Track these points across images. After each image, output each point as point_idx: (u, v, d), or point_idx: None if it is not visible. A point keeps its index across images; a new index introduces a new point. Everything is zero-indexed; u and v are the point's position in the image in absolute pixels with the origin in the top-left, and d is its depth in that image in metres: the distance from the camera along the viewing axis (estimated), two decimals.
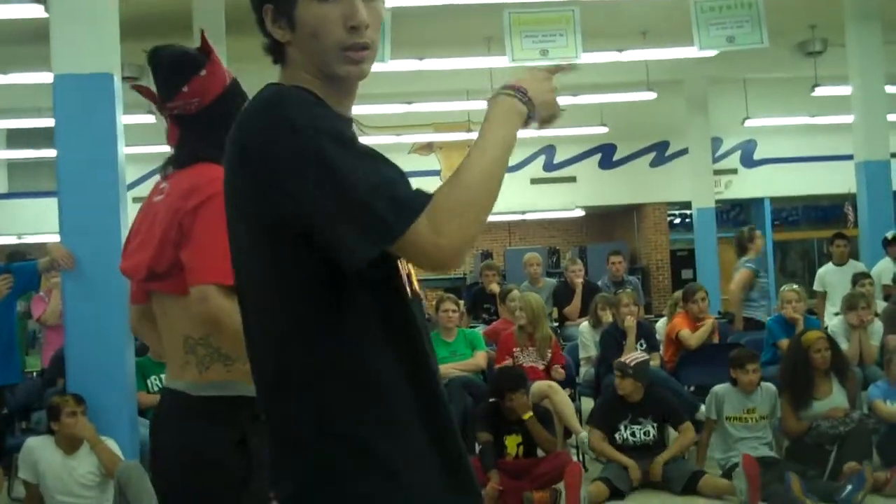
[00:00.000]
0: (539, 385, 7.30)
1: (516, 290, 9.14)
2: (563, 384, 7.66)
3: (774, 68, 15.40)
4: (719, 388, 7.02)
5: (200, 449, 2.60)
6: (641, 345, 8.06)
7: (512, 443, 6.76)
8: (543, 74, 1.92)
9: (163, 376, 7.03)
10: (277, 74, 1.94)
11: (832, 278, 9.65)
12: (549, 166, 18.48)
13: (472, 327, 8.99)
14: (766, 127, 17.64)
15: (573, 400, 7.74)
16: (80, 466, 5.69)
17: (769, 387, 7.01)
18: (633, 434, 6.93)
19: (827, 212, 19.89)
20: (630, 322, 8.08)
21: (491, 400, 6.99)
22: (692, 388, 7.91)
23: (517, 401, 6.68)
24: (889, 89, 11.56)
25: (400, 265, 1.84)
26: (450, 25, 11.99)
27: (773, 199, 19.38)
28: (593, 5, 10.56)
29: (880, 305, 8.85)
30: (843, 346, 7.58)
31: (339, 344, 1.76)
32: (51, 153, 6.47)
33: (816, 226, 20.19)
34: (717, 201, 17.31)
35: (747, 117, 17.09)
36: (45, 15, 7.05)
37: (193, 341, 2.68)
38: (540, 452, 6.83)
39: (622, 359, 7.21)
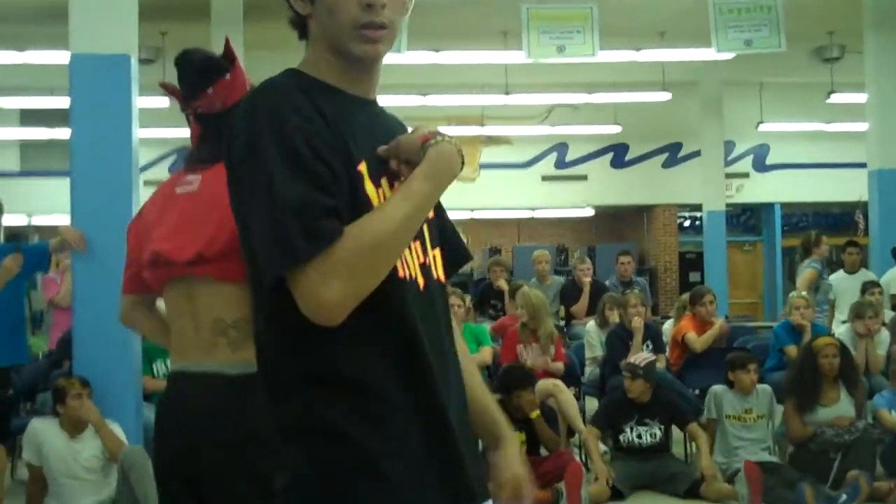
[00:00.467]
0: (544, 383, 7.29)
1: (526, 287, 9.14)
2: (568, 383, 7.64)
3: (791, 73, 15.35)
4: (717, 387, 7.03)
5: (254, 423, 2.61)
6: (648, 346, 8.05)
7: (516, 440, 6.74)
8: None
9: (169, 361, 7.09)
10: (293, 62, 1.92)
11: (843, 286, 9.62)
12: (560, 164, 18.46)
13: (479, 323, 8.99)
14: (779, 132, 17.61)
15: (578, 399, 7.73)
16: (85, 449, 5.69)
17: (765, 387, 7.05)
18: (639, 436, 6.91)
19: (837, 219, 19.86)
20: (638, 323, 8.07)
21: (496, 397, 6.98)
22: (696, 391, 7.90)
23: (525, 398, 6.69)
24: None
25: (407, 258, 1.81)
26: (467, 18, 11.99)
27: (784, 205, 19.35)
28: (612, 4, 10.53)
29: (888, 315, 8.83)
30: None
31: (323, 340, 1.71)
32: (64, 133, 6.46)
33: (826, 233, 20.05)
34: (728, 205, 17.26)
35: (761, 121, 17.06)
36: None
37: (225, 324, 2.73)
38: (543, 451, 6.83)
39: (630, 359, 7.20)
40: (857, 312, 7.97)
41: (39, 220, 16.67)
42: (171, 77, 2.97)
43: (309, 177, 1.66)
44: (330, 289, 1.62)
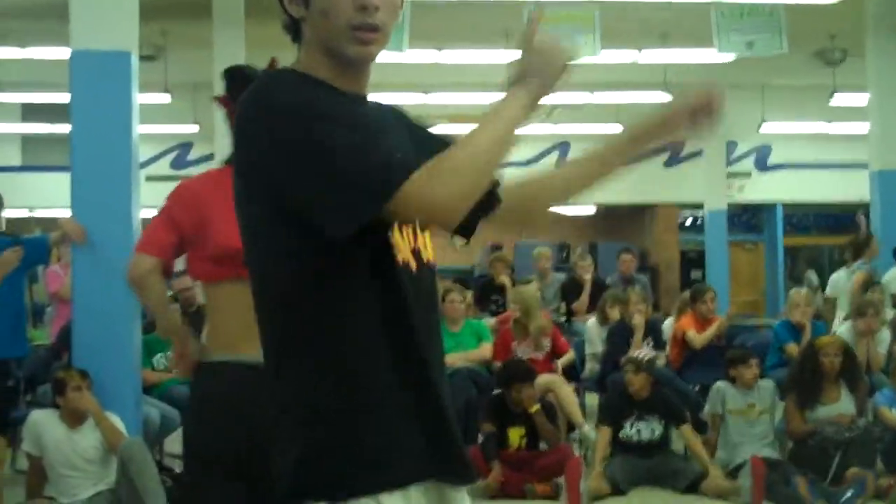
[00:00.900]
0: (544, 378, 7.30)
1: (534, 283, 9.23)
2: (568, 379, 7.66)
3: (792, 76, 15.34)
4: (720, 383, 7.06)
5: None
6: (649, 343, 8.06)
7: (515, 435, 6.77)
8: (550, 46, 1.87)
9: (169, 354, 7.11)
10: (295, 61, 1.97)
11: (844, 285, 9.62)
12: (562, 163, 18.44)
13: (478, 318, 9.00)
14: (781, 132, 17.59)
15: (577, 395, 7.74)
16: (84, 441, 5.70)
17: (768, 382, 7.08)
18: (638, 431, 6.90)
19: (839, 219, 19.86)
20: (639, 320, 8.08)
21: (496, 391, 7.00)
22: (696, 388, 7.91)
23: (525, 393, 6.70)
24: None
25: (397, 239, 1.86)
26: (469, 18, 11.97)
27: (786, 205, 19.34)
28: (615, 6, 10.53)
29: (890, 314, 8.83)
30: None
31: (326, 322, 1.79)
32: (65, 128, 6.47)
33: (827, 233, 20.15)
34: (730, 204, 17.25)
35: (763, 122, 17.04)
36: None
37: None
38: (543, 446, 6.84)
39: (632, 354, 7.22)
40: (859, 311, 7.97)
41: (41, 214, 16.71)
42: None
43: (363, 124, 1.77)
44: (439, 190, 1.68)
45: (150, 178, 15.40)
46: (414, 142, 1.96)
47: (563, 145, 18.26)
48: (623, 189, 18.35)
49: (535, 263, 10.65)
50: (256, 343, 2.75)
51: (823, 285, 11.00)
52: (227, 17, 10.98)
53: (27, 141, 17.37)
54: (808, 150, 18.19)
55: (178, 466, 6.80)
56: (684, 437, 6.96)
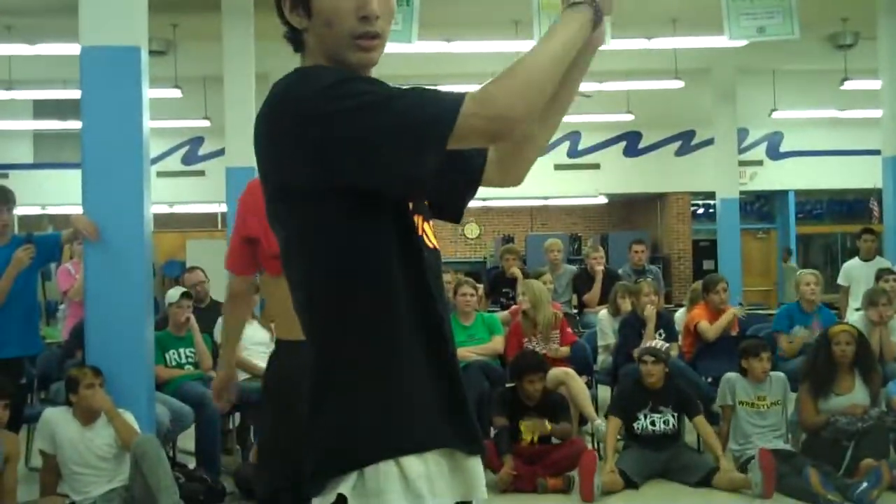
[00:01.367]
0: (556, 372, 7.29)
1: (548, 275, 9.22)
2: (580, 371, 7.64)
3: (804, 60, 15.29)
4: (731, 374, 7.03)
5: None
6: (661, 334, 8.04)
7: (528, 428, 6.75)
8: None
9: (181, 350, 7.16)
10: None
11: (857, 273, 9.58)
12: (573, 152, 18.42)
13: (491, 311, 8.99)
14: (793, 119, 17.54)
15: (590, 388, 7.73)
16: (97, 438, 5.72)
17: (779, 375, 7.05)
18: (652, 423, 6.88)
19: (851, 206, 19.80)
20: (650, 311, 8.06)
21: (508, 385, 6.99)
22: (709, 380, 7.88)
23: (537, 385, 6.73)
24: None
25: (417, 220, 1.96)
26: (478, 8, 11.96)
27: (798, 192, 19.29)
28: None
29: None
30: None
31: (354, 296, 1.88)
32: (77, 124, 6.47)
33: (840, 220, 20.10)
34: (742, 192, 17.21)
35: (775, 109, 16.99)
36: None
37: None
38: (555, 439, 6.84)
39: (647, 345, 7.21)
40: (871, 300, 7.93)
41: (53, 211, 16.77)
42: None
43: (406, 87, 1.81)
44: (497, 101, 1.75)
45: (160, 174, 15.48)
46: None
47: (573, 134, 18.25)
48: (634, 179, 18.50)
49: (547, 255, 10.63)
50: (295, 324, 3.11)
51: (835, 274, 10.92)
52: (236, 10, 10.96)
53: (39, 137, 17.43)
54: (819, 137, 18.15)
55: (191, 463, 6.82)
56: (698, 429, 6.93)
